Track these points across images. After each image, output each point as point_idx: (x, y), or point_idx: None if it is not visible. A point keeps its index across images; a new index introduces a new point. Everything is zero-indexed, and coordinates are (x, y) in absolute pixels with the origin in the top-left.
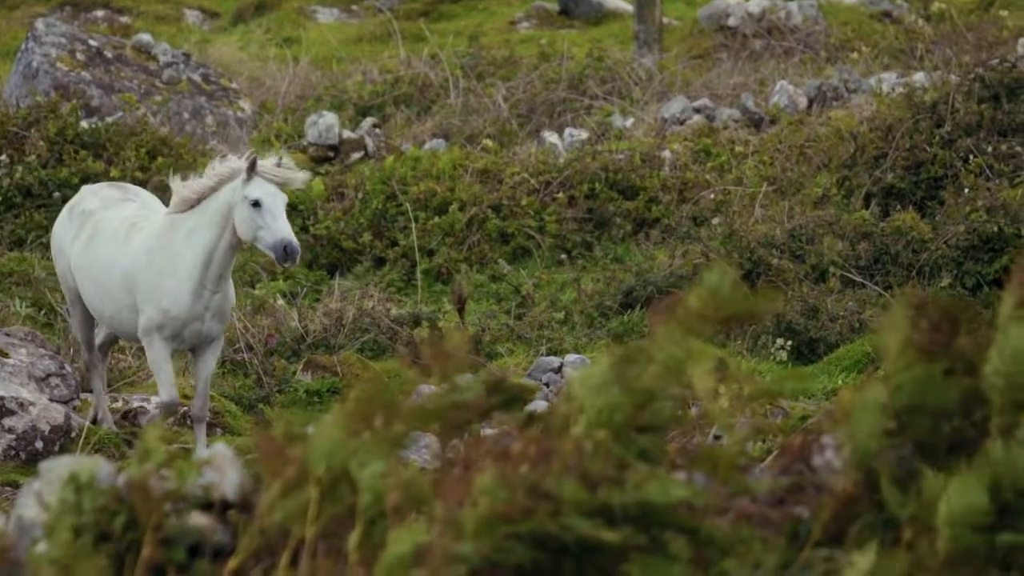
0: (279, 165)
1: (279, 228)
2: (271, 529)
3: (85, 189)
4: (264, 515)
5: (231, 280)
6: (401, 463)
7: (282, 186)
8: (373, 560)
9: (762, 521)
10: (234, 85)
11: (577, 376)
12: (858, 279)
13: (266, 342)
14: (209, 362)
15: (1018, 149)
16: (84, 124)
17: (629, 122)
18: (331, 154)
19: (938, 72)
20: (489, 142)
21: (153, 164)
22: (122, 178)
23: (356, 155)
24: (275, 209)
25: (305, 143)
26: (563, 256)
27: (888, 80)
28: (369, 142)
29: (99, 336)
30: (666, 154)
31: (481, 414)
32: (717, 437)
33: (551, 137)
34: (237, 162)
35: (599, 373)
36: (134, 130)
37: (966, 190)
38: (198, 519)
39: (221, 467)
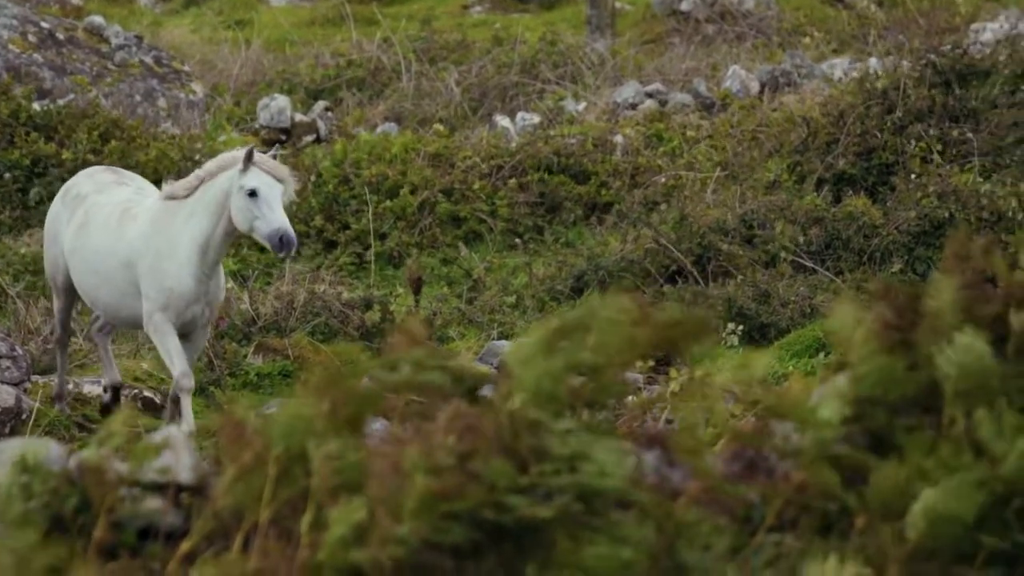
0: (275, 157)
1: (275, 218)
2: (225, 512)
3: (80, 172)
4: (219, 498)
5: (222, 268)
6: (358, 446)
7: (278, 179)
8: (322, 543)
9: (715, 505)
10: (186, 68)
11: (511, 351)
12: (809, 264)
13: (217, 324)
14: (199, 346)
15: (969, 135)
16: (36, 106)
17: (581, 107)
18: (283, 137)
19: (890, 58)
20: (440, 126)
21: (105, 147)
22: (74, 161)
23: (308, 138)
24: (271, 199)
25: (257, 126)
26: (515, 240)
27: (840, 66)
28: (321, 125)
29: (98, 321)
30: (618, 139)
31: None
32: (669, 422)
33: (503, 121)
34: (237, 151)
35: (531, 345)
36: (86, 112)
37: (913, 175)
38: (151, 502)
39: (175, 450)
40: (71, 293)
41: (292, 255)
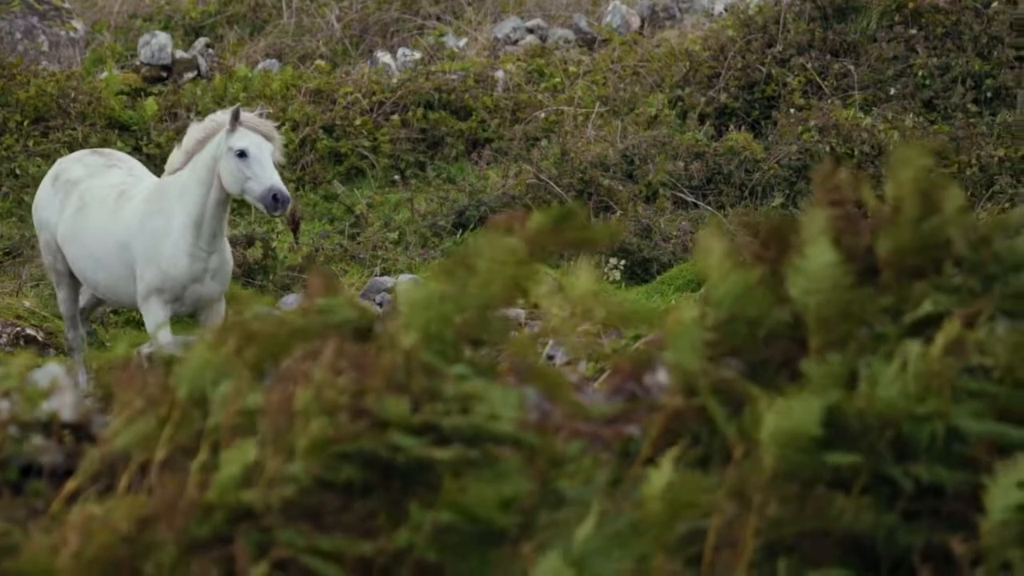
0: (261, 116)
1: (267, 177)
2: (112, 453)
3: (67, 157)
4: (109, 439)
5: (227, 240)
6: (254, 387)
7: (266, 137)
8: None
9: (594, 439)
10: (66, 5)
11: (402, 291)
12: (691, 199)
13: None
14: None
15: (850, 68)
16: None
17: (462, 42)
18: (164, 74)
19: None
20: (322, 62)
21: None
22: None
23: (189, 75)
24: (262, 158)
25: (138, 63)
26: (396, 176)
27: (721, 0)
28: (202, 62)
29: (82, 299)
30: (499, 74)
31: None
32: (550, 357)
33: (384, 57)
34: (221, 115)
35: (425, 288)
36: None
37: (794, 110)
38: (34, 440)
39: (57, 388)
40: (72, 277)
41: (285, 214)
